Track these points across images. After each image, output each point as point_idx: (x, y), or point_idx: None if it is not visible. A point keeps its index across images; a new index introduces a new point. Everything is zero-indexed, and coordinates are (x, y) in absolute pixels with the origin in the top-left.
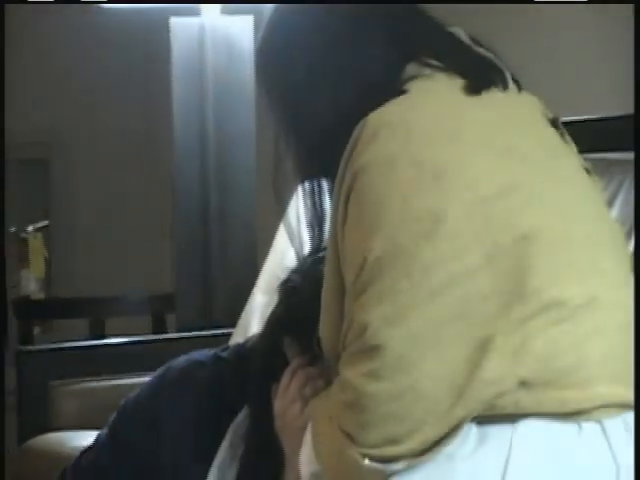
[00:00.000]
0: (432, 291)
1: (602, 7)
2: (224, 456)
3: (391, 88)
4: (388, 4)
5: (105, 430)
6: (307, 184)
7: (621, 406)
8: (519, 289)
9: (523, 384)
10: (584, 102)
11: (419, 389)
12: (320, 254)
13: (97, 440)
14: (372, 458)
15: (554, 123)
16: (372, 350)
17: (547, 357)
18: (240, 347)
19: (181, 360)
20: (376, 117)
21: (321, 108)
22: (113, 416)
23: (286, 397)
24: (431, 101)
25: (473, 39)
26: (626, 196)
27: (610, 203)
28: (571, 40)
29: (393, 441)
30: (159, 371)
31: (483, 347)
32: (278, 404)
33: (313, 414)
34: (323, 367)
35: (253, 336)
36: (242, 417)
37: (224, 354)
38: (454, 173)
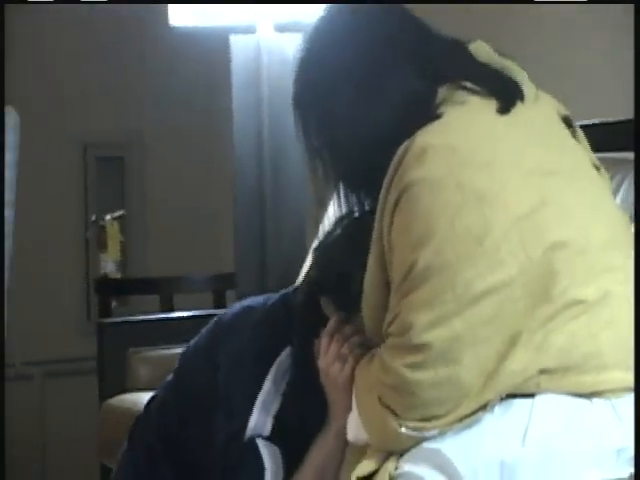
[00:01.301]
0: (472, 300)
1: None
2: (268, 390)
3: (426, 110)
4: (420, 31)
5: (170, 375)
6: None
7: (629, 388)
8: (545, 292)
9: (544, 371)
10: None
11: (457, 379)
12: (345, 221)
13: (163, 383)
14: (409, 427)
15: (567, 121)
16: (417, 346)
17: (567, 348)
18: (285, 296)
19: (235, 306)
20: (422, 138)
21: (359, 126)
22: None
23: (327, 358)
24: (469, 125)
25: (493, 49)
26: (626, 192)
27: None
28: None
29: (431, 418)
30: (216, 317)
31: (511, 342)
32: (321, 362)
33: (355, 385)
34: (357, 324)
35: (297, 287)
36: (285, 356)
37: (272, 300)
38: (492, 197)
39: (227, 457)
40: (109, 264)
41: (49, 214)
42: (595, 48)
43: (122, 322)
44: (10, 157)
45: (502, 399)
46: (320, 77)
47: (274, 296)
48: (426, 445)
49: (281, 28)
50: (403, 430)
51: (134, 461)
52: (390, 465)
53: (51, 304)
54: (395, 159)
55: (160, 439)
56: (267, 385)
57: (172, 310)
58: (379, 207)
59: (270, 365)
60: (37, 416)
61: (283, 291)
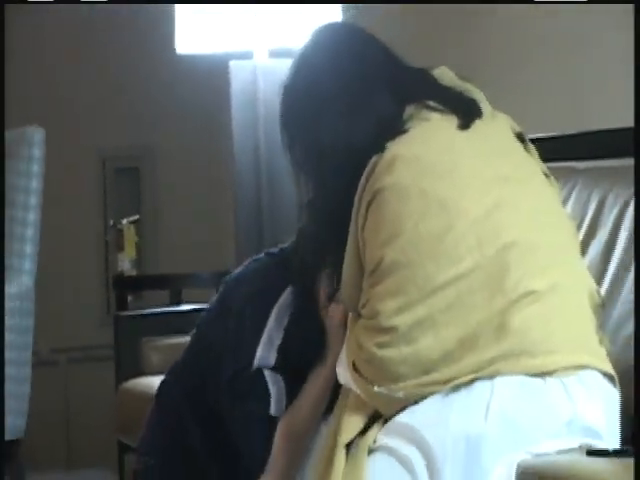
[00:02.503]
0: (432, 290)
1: None
2: (272, 326)
3: (395, 127)
4: (391, 61)
5: (189, 340)
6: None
7: (578, 367)
8: (500, 285)
9: (502, 355)
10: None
11: (418, 357)
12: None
13: (185, 349)
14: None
15: (520, 136)
16: (385, 329)
17: (521, 334)
18: (285, 249)
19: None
20: (392, 150)
21: (335, 141)
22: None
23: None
24: (432, 138)
25: (456, 74)
26: (577, 197)
27: (564, 204)
28: None
29: (395, 385)
30: (223, 280)
31: (472, 328)
32: (322, 300)
33: (343, 352)
34: None
35: (292, 242)
36: (286, 295)
37: (273, 250)
38: (452, 202)
39: (235, 388)
40: (126, 263)
41: (74, 219)
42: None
43: (136, 315)
44: (36, 168)
45: (466, 382)
46: (303, 102)
47: (273, 250)
48: (399, 420)
49: (275, 54)
50: (376, 389)
51: (162, 419)
52: (369, 438)
53: (75, 298)
54: (368, 168)
55: (184, 397)
56: (271, 322)
57: (180, 304)
58: (354, 208)
59: (273, 305)
60: (61, 398)
61: (281, 246)
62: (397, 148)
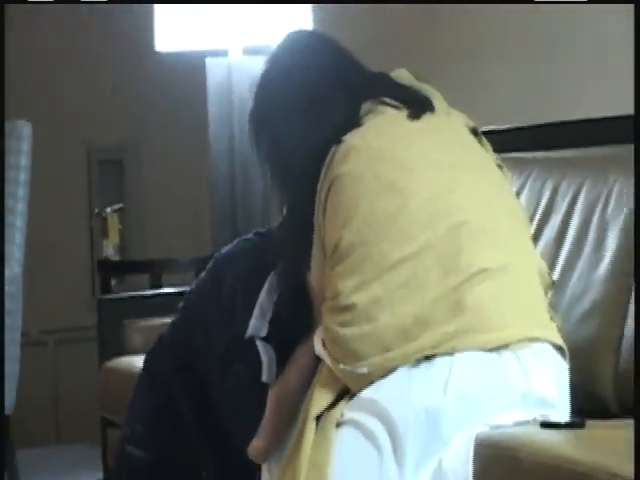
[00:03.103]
0: (388, 268)
1: None
2: (263, 300)
3: (351, 122)
4: (350, 63)
5: (176, 314)
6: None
7: (531, 340)
8: (453, 263)
9: (458, 331)
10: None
11: (377, 333)
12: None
13: (172, 322)
14: (345, 365)
15: (474, 131)
16: (345, 307)
17: (475, 310)
18: (271, 229)
19: (231, 245)
20: (348, 141)
21: (297, 148)
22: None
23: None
24: (385, 129)
25: (414, 75)
26: (531, 185)
27: (520, 191)
28: None
29: (358, 362)
30: (214, 257)
31: (427, 306)
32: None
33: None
34: None
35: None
36: (275, 272)
37: (261, 230)
38: (403, 185)
39: (229, 356)
40: (110, 249)
41: (61, 208)
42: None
43: (119, 297)
44: (24, 161)
45: (426, 357)
46: (268, 104)
47: (262, 230)
48: (365, 395)
49: (249, 52)
50: (341, 367)
51: (150, 386)
52: (337, 412)
53: (62, 282)
54: (327, 159)
55: (172, 368)
56: (262, 296)
57: (161, 287)
58: (317, 198)
59: (264, 281)
60: (50, 377)
61: (270, 228)
62: (352, 139)
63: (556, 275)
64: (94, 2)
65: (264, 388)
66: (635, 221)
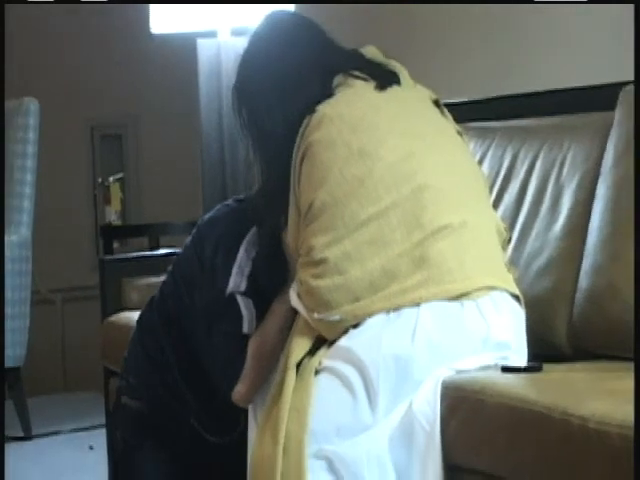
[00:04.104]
0: (357, 225)
1: None
2: (241, 257)
3: (325, 94)
4: (324, 41)
5: (166, 275)
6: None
7: (489, 288)
8: (417, 221)
9: (422, 282)
10: None
11: (347, 285)
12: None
13: (163, 282)
14: (319, 314)
15: (436, 103)
16: (317, 261)
17: (438, 263)
18: (248, 196)
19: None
20: (321, 110)
21: (274, 117)
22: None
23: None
24: (355, 99)
25: (381, 51)
26: (493, 152)
27: (482, 158)
28: None
29: (331, 311)
30: (197, 223)
31: (394, 260)
32: (285, 237)
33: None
34: None
35: (253, 191)
36: (252, 233)
37: (239, 197)
38: (370, 150)
39: (212, 312)
40: (112, 214)
41: (67, 178)
42: None
43: (120, 259)
44: (32, 135)
45: (394, 309)
46: (248, 77)
47: (240, 197)
48: (340, 344)
49: (237, 33)
50: (315, 316)
51: (142, 341)
52: (315, 360)
53: (69, 245)
54: (302, 127)
55: (162, 322)
56: (241, 253)
57: (158, 249)
58: (292, 163)
59: (241, 241)
60: (58, 331)
61: (244, 195)
62: (324, 109)
63: (515, 234)
64: (95, 2)
65: (245, 341)
66: (635, 216)
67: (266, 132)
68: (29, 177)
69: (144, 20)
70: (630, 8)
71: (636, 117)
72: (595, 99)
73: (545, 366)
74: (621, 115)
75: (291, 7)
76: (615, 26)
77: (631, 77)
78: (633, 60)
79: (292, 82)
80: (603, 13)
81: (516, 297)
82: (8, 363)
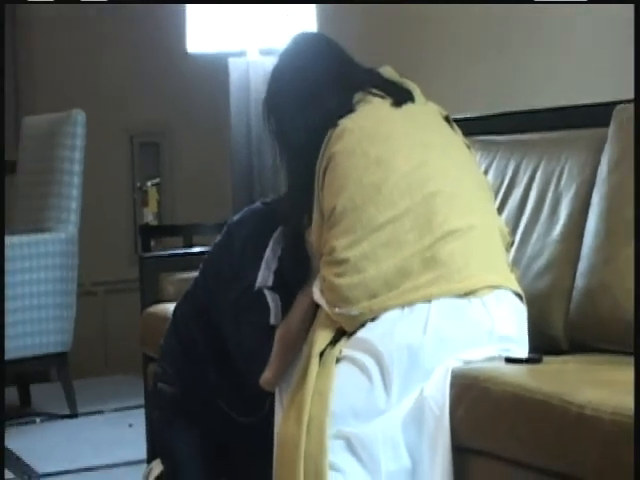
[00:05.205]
0: (374, 229)
1: None
2: (269, 254)
3: (347, 109)
4: (345, 60)
5: (198, 271)
6: (289, 175)
7: (494, 287)
8: (428, 225)
9: (433, 281)
10: None
11: (365, 283)
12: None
13: (195, 278)
14: (340, 308)
15: (447, 118)
16: (339, 261)
17: (447, 264)
18: (274, 199)
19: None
20: (343, 124)
21: (300, 130)
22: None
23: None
24: (374, 114)
25: (396, 71)
26: (497, 163)
27: (487, 169)
28: None
29: (350, 306)
30: (227, 223)
31: (407, 260)
32: (309, 236)
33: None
34: None
35: (279, 196)
36: (277, 232)
37: (266, 200)
38: (387, 160)
39: (241, 305)
40: (149, 215)
41: (109, 182)
42: None
43: (157, 255)
44: (79, 142)
45: (408, 304)
46: (279, 91)
47: (266, 200)
48: (359, 336)
49: (264, 52)
50: (336, 310)
51: (176, 332)
52: (336, 350)
53: (111, 242)
54: (326, 139)
55: (194, 314)
56: (268, 251)
57: (191, 247)
58: (316, 172)
59: (268, 240)
60: (101, 320)
61: (271, 198)
62: (346, 122)
63: (518, 238)
64: (95, 2)
65: (272, 331)
66: (635, 215)
67: (290, 139)
68: (76, 180)
69: (180, 40)
70: (630, 9)
71: (636, 117)
72: (590, 116)
73: (544, 358)
74: (614, 131)
75: (311, 7)
76: (615, 45)
77: (625, 96)
78: (633, 77)
79: (313, 96)
80: (605, 32)
81: (518, 295)
82: (56, 349)
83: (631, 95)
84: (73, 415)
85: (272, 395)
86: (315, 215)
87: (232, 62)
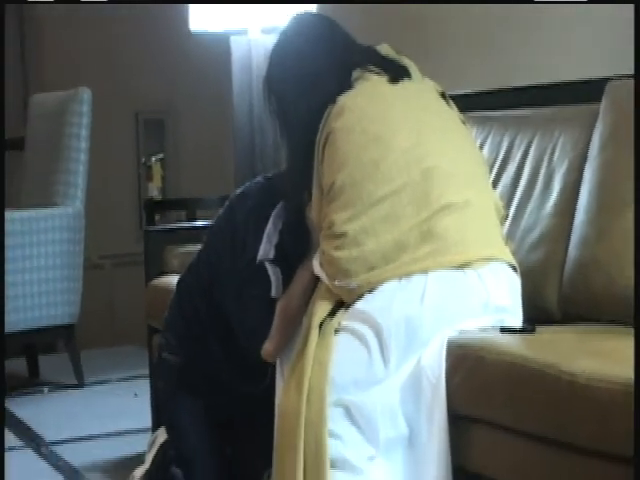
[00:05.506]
0: (373, 203)
1: None
2: (270, 228)
3: (345, 86)
4: (344, 38)
5: (201, 245)
6: (289, 151)
7: (488, 259)
8: (425, 200)
9: (430, 253)
10: None
11: (364, 256)
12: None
13: (197, 252)
14: (340, 281)
15: (442, 95)
16: (338, 235)
17: (443, 237)
18: (276, 174)
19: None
20: (341, 101)
21: (300, 107)
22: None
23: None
24: (371, 91)
25: (393, 49)
26: (492, 139)
27: (482, 144)
28: None
29: (349, 279)
30: (229, 198)
31: (404, 234)
32: (308, 211)
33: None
34: None
35: (280, 170)
36: (279, 207)
37: (268, 175)
38: (385, 137)
39: (243, 277)
40: (154, 190)
41: (115, 158)
42: None
43: (161, 229)
44: (85, 120)
45: (405, 276)
46: (279, 69)
47: (268, 174)
48: (357, 307)
49: (266, 31)
50: (336, 283)
51: (180, 304)
52: (335, 321)
53: (117, 216)
54: (324, 115)
55: (197, 286)
56: (269, 225)
57: (195, 220)
58: (316, 148)
59: (270, 214)
60: (107, 293)
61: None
62: (344, 100)
63: (512, 212)
64: (94, 2)
65: (273, 303)
66: (635, 211)
67: (291, 118)
68: (82, 156)
69: (184, 19)
70: (630, 8)
71: (636, 116)
72: (583, 93)
73: (538, 328)
74: (606, 107)
75: (313, 7)
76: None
77: (616, 72)
78: (633, 57)
79: (315, 74)
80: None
81: (512, 267)
82: (64, 320)
83: (624, 71)
84: (80, 385)
85: (273, 366)
86: (315, 190)
87: (234, 40)
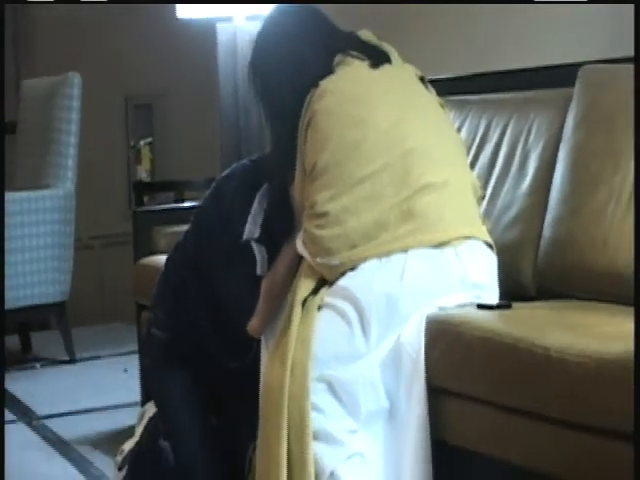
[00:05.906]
0: (354, 183)
1: None
2: (255, 208)
3: (327, 71)
4: (326, 24)
5: (189, 225)
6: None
7: (466, 237)
8: (405, 180)
9: (409, 232)
10: None
11: (345, 235)
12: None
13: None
14: (322, 259)
15: (422, 79)
16: (320, 214)
17: (423, 215)
18: (261, 157)
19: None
20: (323, 84)
21: (284, 90)
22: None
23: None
24: (352, 75)
25: (374, 34)
26: (470, 121)
27: (460, 126)
28: None
29: (331, 257)
30: (215, 180)
31: (385, 212)
32: (292, 190)
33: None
34: None
35: (265, 153)
36: (264, 187)
37: (253, 157)
38: (366, 119)
39: (229, 256)
40: (143, 172)
41: (105, 141)
42: None
43: (149, 210)
44: (75, 103)
45: (385, 254)
46: (263, 54)
47: (253, 157)
48: (339, 284)
49: (251, 18)
50: (318, 260)
51: (168, 281)
52: (318, 298)
53: (107, 198)
54: (307, 98)
55: (185, 263)
56: (255, 205)
57: (182, 202)
58: (299, 129)
59: (255, 194)
60: (97, 272)
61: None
62: (326, 83)
63: (489, 191)
64: (95, 2)
65: (258, 281)
66: (636, 210)
67: (276, 101)
68: (72, 139)
69: (171, 6)
70: (630, 8)
71: (636, 115)
72: (557, 77)
73: (514, 304)
74: (579, 91)
75: None
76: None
77: (591, 57)
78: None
79: (299, 59)
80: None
81: (489, 245)
82: (55, 298)
83: (598, 57)
84: (71, 361)
85: (259, 341)
86: (298, 170)
87: (220, 27)
